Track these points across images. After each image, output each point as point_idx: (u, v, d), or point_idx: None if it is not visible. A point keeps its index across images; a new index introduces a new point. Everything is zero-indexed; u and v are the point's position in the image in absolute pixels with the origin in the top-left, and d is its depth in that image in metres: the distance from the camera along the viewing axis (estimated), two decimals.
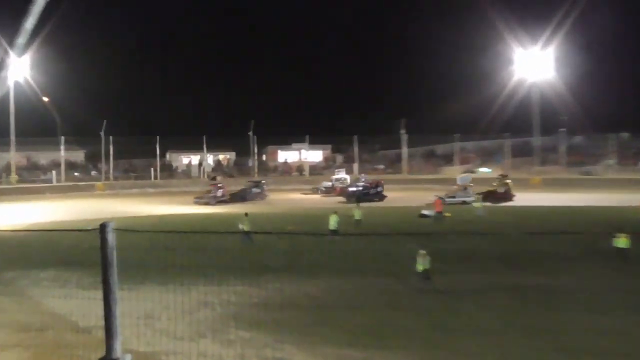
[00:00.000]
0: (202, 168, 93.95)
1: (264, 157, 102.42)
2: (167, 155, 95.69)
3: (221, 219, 54.84)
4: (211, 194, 64.91)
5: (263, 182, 73.02)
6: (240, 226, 37.81)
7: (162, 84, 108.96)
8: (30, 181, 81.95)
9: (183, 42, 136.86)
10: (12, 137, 79.37)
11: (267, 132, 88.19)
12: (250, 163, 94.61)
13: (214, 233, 42.17)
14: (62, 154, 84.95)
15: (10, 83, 72.92)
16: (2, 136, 76.35)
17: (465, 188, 67.18)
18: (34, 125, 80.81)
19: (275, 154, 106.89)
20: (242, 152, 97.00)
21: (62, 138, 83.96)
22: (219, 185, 66.04)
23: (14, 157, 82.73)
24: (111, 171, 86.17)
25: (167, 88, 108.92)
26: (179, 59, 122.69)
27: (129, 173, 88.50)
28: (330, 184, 76.30)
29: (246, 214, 40.83)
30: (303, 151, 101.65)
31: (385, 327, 25.59)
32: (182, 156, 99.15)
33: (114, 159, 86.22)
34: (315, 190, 76.56)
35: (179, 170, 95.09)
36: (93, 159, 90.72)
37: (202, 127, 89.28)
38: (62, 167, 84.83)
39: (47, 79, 79.97)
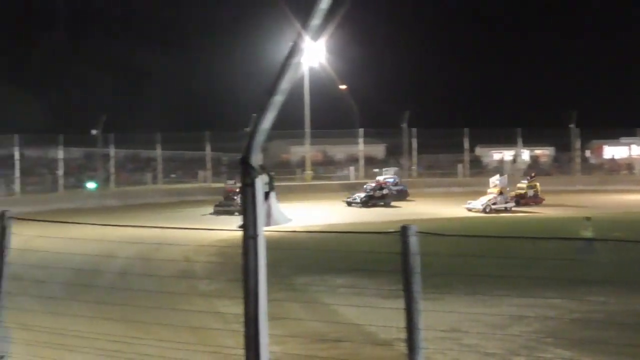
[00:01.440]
0: (515, 165, 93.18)
1: (587, 153, 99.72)
2: (476, 150, 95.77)
3: (537, 222, 54.21)
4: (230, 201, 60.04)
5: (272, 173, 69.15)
6: (585, 232, 37.70)
7: (470, 69, 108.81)
8: (325, 178, 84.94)
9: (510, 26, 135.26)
10: (307, 130, 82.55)
11: (593, 124, 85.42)
12: (571, 160, 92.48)
13: (530, 238, 41.75)
14: (361, 147, 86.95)
15: (305, 70, 75.57)
16: (296, 128, 79.47)
17: (501, 192, 62.78)
18: (329, 116, 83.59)
19: (600, 150, 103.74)
20: (562, 147, 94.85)
21: (361, 130, 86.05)
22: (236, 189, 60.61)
23: (309, 151, 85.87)
24: (414, 167, 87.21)
25: (475, 74, 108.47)
26: (493, 44, 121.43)
27: (434, 169, 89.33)
28: None
29: (588, 218, 39.83)
30: (634, 147, 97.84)
31: None
32: (493, 151, 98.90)
33: (417, 153, 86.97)
34: None
35: (489, 167, 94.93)
36: (394, 153, 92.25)
37: (516, 118, 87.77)
38: (361, 162, 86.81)
39: (344, 65, 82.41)
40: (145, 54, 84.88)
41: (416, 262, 4.69)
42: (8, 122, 70.19)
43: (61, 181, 74.43)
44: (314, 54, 74.53)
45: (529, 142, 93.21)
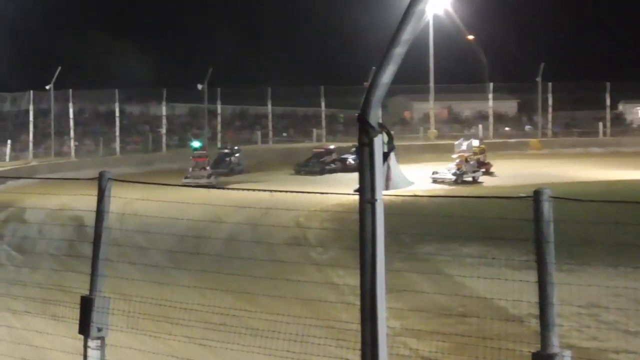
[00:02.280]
0: None
1: None
2: (620, 107, 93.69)
3: None
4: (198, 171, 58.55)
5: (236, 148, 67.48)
6: None
7: (612, 16, 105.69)
8: (451, 137, 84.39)
9: None
10: (431, 85, 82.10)
11: None
12: None
13: None
14: (490, 104, 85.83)
15: (429, 19, 75.13)
16: (419, 83, 79.14)
17: (466, 159, 58.95)
18: (456, 70, 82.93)
19: None
20: None
21: (491, 85, 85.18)
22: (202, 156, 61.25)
23: (433, 108, 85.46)
24: (549, 125, 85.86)
25: (618, 22, 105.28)
26: None
27: (571, 128, 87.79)
28: None
29: None
30: None
31: None
32: (639, 108, 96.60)
33: (552, 110, 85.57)
34: None
35: (634, 124, 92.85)
36: (527, 110, 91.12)
37: None
38: (490, 120, 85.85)
39: (472, 12, 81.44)
40: (254, 2, 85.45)
41: (550, 230, 4.63)
42: (109, 77, 71.65)
43: (164, 140, 75.69)
44: (438, 0, 74.02)
45: None
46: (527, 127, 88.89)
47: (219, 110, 78.12)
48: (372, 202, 4.67)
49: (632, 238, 29.10)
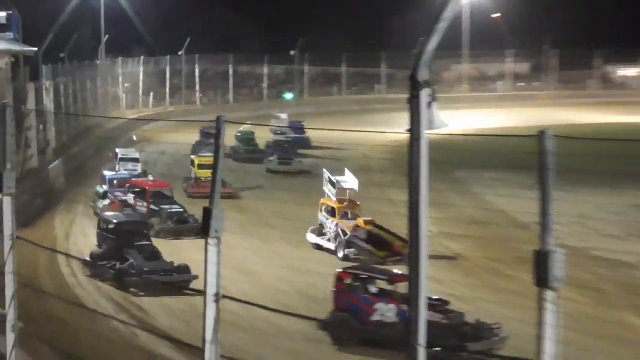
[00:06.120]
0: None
1: None
2: (606, 68, 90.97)
3: None
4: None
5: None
6: None
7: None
8: (479, 90, 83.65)
9: None
10: (465, 51, 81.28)
11: None
12: None
13: None
14: (509, 66, 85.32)
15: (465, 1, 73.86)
16: (456, 49, 78.07)
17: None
18: (484, 38, 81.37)
19: None
20: None
21: (510, 51, 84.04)
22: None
23: (466, 68, 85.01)
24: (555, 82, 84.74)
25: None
26: None
27: (567, 84, 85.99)
28: None
29: None
30: None
31: None
32: (619, 69, 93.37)
33: (555, 71, 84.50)
34: None
35: (616, 82, 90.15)
36: (537, 71, 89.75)
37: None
38: (509, 78, 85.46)
39: None
40: None
41: (551, 161, 4.62)
42: (226, 44, 71.99)
43: (265, 92, 76.19)
44: None
45: None
46: (535, 84, 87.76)
47: (307, 71, 78.06)
48: (418, 139, 4.70)
49: (613, 167, 28.86)
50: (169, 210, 25.67)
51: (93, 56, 55.13)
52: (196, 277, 17.78)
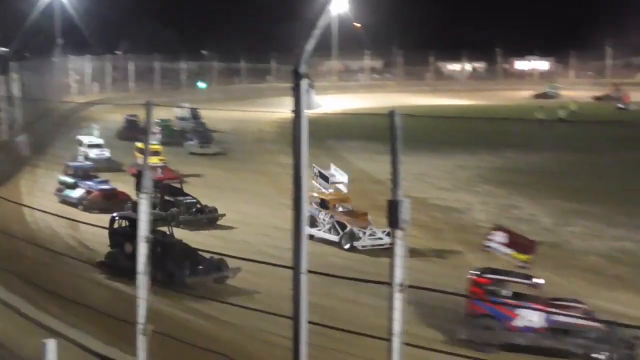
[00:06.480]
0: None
1: None
2: (438, 65, 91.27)
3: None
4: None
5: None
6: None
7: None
8: (345, 80, 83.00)
9: None
10: (334, 50, 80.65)
11: None
12: None
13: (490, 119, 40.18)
14: (367, 62, 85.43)
15: (333, 13, 73.28)
16: (327, 49, 77.07)
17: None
18: (348, 41, 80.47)
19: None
20: None
21: (368, 51, 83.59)
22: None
23: (335, 64, 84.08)
24: (389, 75, 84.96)
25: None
26: None
27: (410, 76, 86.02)
28: None
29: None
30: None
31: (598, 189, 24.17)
32: (451, 65, 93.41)
33: (404, 65, 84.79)
34: None
35: (448, 76, 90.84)
36: (388, 66, 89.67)
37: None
38: (367, 72, 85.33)
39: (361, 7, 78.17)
40: None
41: (398, 133, 4.70)
42: (152, 45, 69.68)
43: (183, 82, 74.12)
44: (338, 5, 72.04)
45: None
46: (387, 76, 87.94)
47: (215, 66, 76.78)
48: (299, 116, 4.68)
49: (444, 138, 29.72)
50: (186, 202, 20.70)
51: (50, 54, 53.93)
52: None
